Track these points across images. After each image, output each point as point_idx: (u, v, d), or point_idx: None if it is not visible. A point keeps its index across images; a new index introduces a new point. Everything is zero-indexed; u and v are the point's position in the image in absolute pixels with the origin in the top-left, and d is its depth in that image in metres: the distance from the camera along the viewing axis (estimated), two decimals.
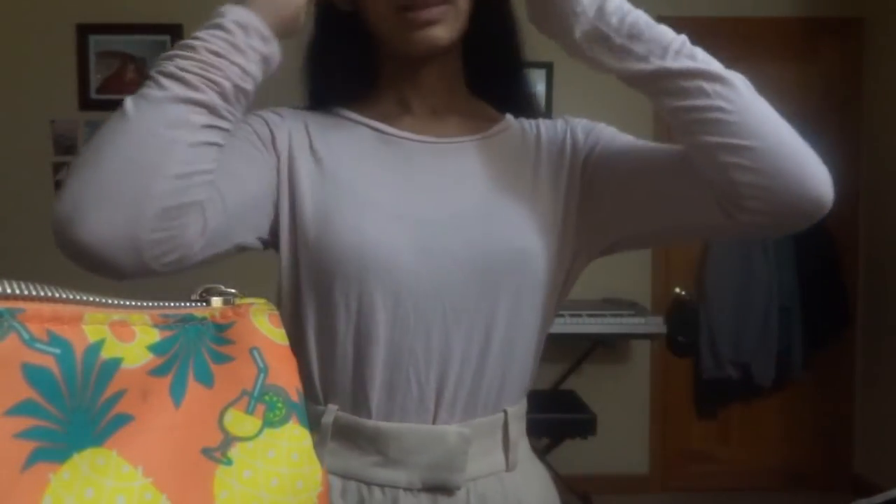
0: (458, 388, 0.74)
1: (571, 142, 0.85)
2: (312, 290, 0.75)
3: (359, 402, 0.74)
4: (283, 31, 0.70)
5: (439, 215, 0.76)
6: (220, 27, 0.67)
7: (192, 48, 0.65)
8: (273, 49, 0.69)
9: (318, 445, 0.69)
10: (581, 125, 0.88)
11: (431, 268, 0.73)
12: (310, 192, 0.76)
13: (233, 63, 0.65)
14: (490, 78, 0.88)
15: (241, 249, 0.75)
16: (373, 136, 0.81)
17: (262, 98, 0.76)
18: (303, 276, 0.75)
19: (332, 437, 0.74)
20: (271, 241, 0.77)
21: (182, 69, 0.63)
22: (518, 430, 0.80)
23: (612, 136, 0.86)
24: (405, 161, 0.80)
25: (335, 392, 0.75)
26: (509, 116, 0.89)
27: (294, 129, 0.80)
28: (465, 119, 0.85)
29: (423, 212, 0.76)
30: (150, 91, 0.63)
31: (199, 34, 0.67)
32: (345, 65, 0.84)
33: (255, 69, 0.67)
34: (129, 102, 0.64)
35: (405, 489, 0.72)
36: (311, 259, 0.74)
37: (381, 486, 0.72)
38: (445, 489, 0.73)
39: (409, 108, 0.84)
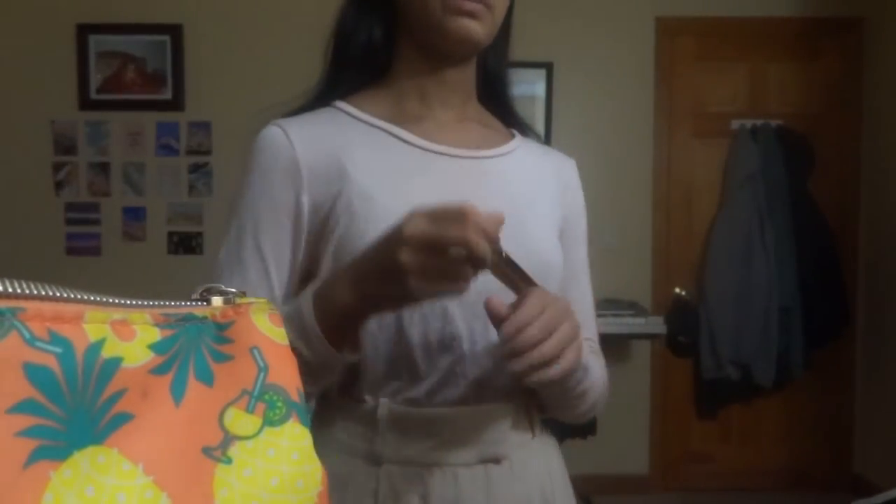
0: (496, 377, 0.80)
1: (571, 200, 0.94)
2: None
3: (410, 395, 0.79)
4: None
5: None
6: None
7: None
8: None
9: (370, 441, 0.77)
10: (582, 203, 0.96)
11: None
12: (346, 218, 0.78)
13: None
14: (496, 91, 0.94)
15: None
16: (402, 148, 0.83)
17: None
18: None
19: (387, 428, 0.78)
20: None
21: None
22: (535, 403, 0.88)
23: (577, 243, 0.95)
24: (434, 174, 0.83)
25: (385, 388, 0.79)
26: (516, 134, 0.93)
27: (315, 169, 0.80)
28: (483, 129, 0.90)
29: None
30: None
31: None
32: (368, 41, 0.86)
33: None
34: None
35: (462, 465, 0.78)
36: None
37: (441, 465, 0.77)
38: (495, 460, 0.80)
39: (431, 108, 0.87)
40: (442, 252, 0.60)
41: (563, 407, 0.85)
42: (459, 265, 0.61)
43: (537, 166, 0.91)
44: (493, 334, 0.79)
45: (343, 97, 0.86)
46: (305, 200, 0.80)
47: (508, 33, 0.92)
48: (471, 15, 0.79)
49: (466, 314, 0.78)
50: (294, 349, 0.71)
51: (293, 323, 0.68)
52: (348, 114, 0.85)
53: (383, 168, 0.81)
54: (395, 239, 0.62)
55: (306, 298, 0.71)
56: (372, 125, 0.84)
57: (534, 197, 0.88)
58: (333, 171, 0.80)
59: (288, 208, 0.80)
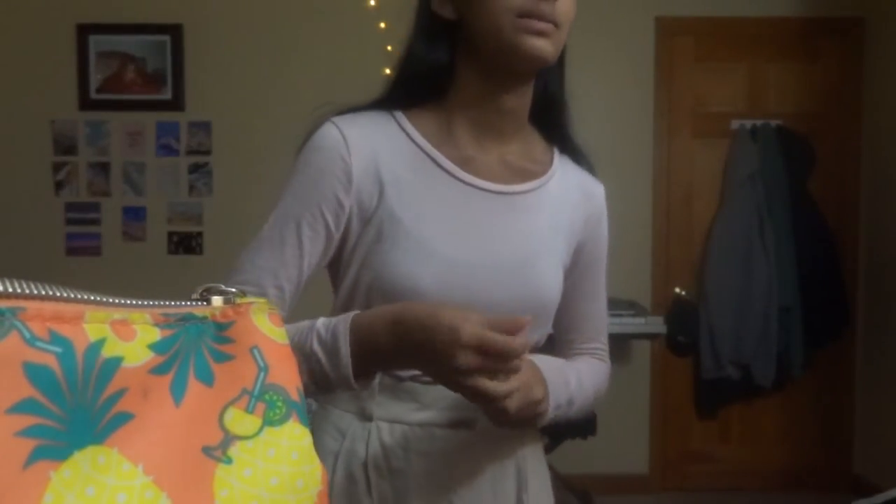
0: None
1: (593, 229, 1.00)
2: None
3: (397, 374, 0.90)
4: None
5: (487, 262, 0.88)
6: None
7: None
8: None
9: (368, 400, 0.90)
10: (604, 229, 1.02)
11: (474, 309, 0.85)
12: (375, 235, 0.87)
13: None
14: (549, 110, 0.98)
15: None
16: (440, 176, 0.89)
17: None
18: (360, 301, 0.89)
19: (379, 392, 0.90)
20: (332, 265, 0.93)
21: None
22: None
23: (596, 264, 1.02)
24: (465, 207, 0.89)
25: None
26: (556, 157, 0.98)
27: (364, 179, 0.87)
28: (522, 161, 0.94)
29: (474, 258, 0.88)
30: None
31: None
32: (433, 62, 0.90)
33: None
34: None
35: (437, 426, 0.90)
36: (370, 294, 0.88)
37: (420, 425, 0.90)
38: (466, 423, 0.90)
39: (478, 138, 0.91)
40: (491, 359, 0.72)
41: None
42: (501, 370, 0.73)
43: (564, 197, 0.96)
44: None
45: (402, 108, 0.92)
46: (348, 204, 0.87)
47: (564, 54, 0.94)
48: (542, 34, 0.82)
49: None
50: (316, 362, 0.77)
51: (325, 342, 0.79)
52: (402, 128, 0.90)
53: (417, 192, 0.88)
54: (453, 342, 0.71)
55: (345, 324, 0.79)
56: (419, 147, 0.90)
57: (553, 231, 0.94)
58: (376, 187, 0.87)
59: (332, 206, 0.87)
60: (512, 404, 0.77)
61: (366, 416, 0.90)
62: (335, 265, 0.92)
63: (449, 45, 0.90)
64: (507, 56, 0.84)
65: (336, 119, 0.88)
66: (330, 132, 0.87)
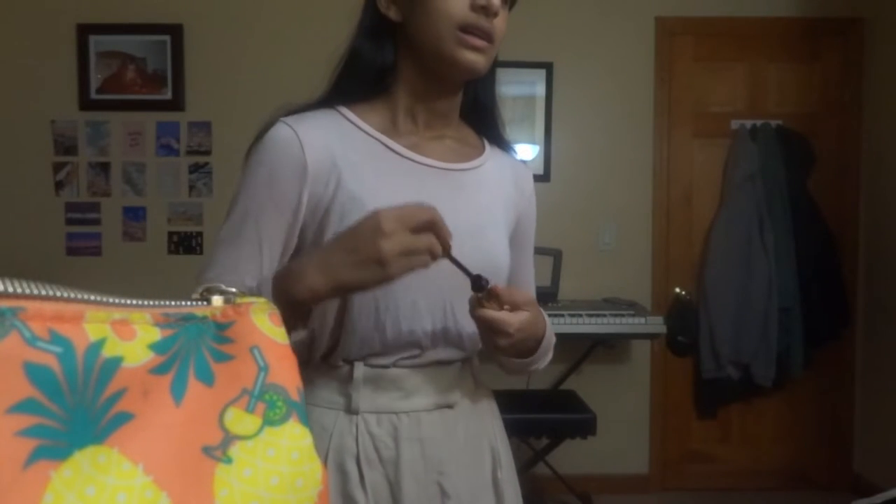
0: (447, 347, 0.98)
1: (526, 205, 1.09)
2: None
3: (381, 359, 0.94)
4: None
5: None
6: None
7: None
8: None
9: (348, 396, 0.93)
10: (534, 208, 1.11)
11: (436, 277, 0.88)
12: (338, 217, 0.90)
13: None
14: (479, 112, 1.07)
15: None
16: (392, 158, 0.95)
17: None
18: None
19: (364, 384, 0.93)
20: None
21: None
22: (476, 363, 1.06)
23: (528, 241, 1.11)
24: (418, 184, 0.95)
25: (361, 354, 0.93)
26: (486, 144, 1.07)
27: (320, 170, 0.91)
28: (458, 144, 1.03)
29: None
30: None
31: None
32: (379, 64, 0.96)
33: None
34: None
35: (423, 411, 0.95)
36: None
37: (407, 412, 0.94)
38: (448, 406, 0.97)
39: (417, 127, 0.99)
40: (414, 230, 0.75)
41: (520, 370, 1.01)
42: (428, 241, 0.75)
43: (500, 176, 1.05)
44: (450, 326, 0.95)
45: (346, 104, 0.97)
46: (305, 197, 0.90)
47: (494, 65, 1.02)
48: (479, 50, 0.90)
49: (434, 310, 0.94)
50: None
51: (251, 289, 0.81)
52: (350, 121, 0.95)
53: (373, 174, 0.92)
54: (373, 232, 0.74)
55: (266, 281, 0.82)
56: (369, 134, 0.95)
57: (495, 205, 1.02)
58: (333, 175, 0.91)
59: (291, 203, 0.90)
60: (513, 336, 0.84)
61: (352, 410, 0.93)
62: (295, 256, 0.94)
63: (393, 45, 0.96)
64: (445, 65, 0.92)
65: (286, 118, 0.92)
66: (282, 130, 0.91)
